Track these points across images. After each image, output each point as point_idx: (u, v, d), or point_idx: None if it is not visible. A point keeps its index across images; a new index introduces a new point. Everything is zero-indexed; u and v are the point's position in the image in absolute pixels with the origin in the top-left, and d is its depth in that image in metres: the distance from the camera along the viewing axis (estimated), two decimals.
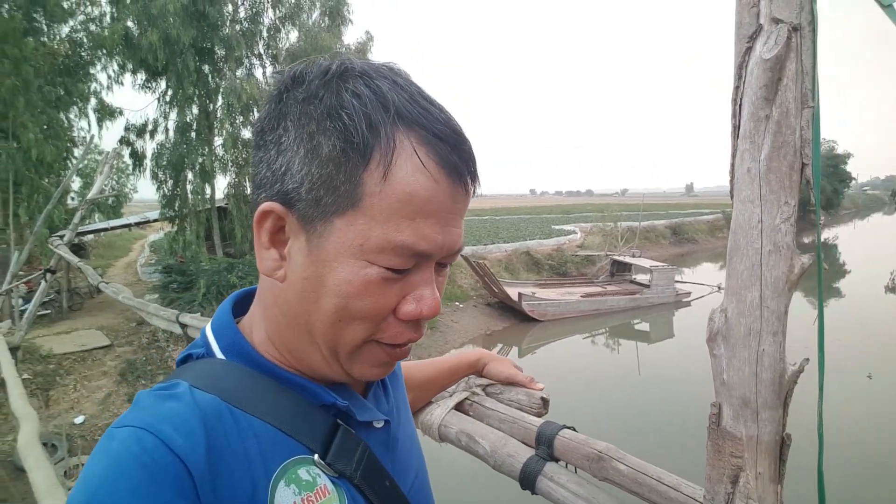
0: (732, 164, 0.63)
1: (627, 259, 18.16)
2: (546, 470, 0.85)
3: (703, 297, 17.27)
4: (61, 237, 5.73)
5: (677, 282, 17.35)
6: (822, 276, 0.61)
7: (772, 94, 0.59)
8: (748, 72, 0.61)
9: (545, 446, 0.87)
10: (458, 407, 1.07)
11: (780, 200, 0.58)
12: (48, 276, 5.13)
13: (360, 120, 0.48)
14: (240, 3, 14.33)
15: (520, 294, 14.19)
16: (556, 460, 0.87)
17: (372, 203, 0.49)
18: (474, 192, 0.56)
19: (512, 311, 14.75)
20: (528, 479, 0.86)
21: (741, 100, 0.62)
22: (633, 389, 10.28)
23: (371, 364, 0.57)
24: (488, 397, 1.06)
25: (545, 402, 0.98)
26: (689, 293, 17.22)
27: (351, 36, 16.19)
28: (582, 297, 15.93)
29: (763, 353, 0.58)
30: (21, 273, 6.48)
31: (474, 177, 0.55)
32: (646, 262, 17.14)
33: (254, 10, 14.44)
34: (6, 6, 11.29)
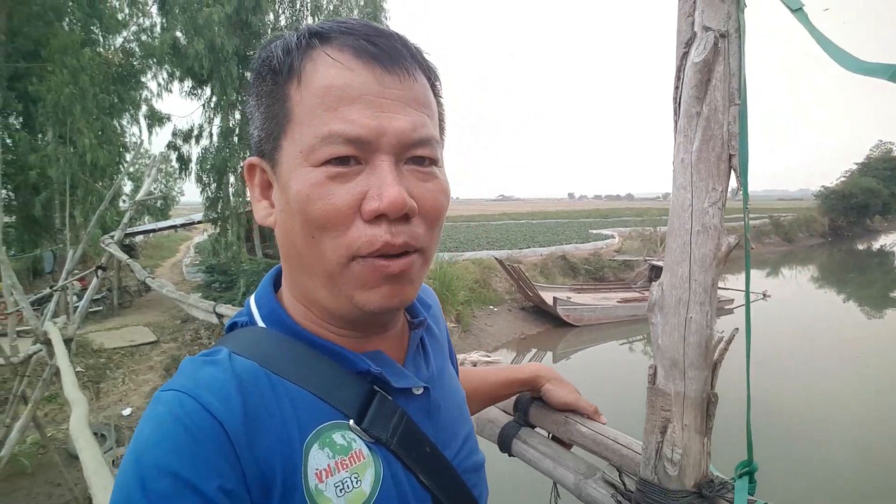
0: (673, 156, 0.71)
1: None
2: (521, 434, 0.94)
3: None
4: (112, 236, 6.07)
5: (720, 288, 16.73)
6: (750, 258, 0.68)
7: (702, 94, 0.67)
8: (685, 74, 0.69)
9: (521, 413, 0.96)
10: None
11: (708, 187, 0.66)
12: (99, 272, 5.45)
13: (277, 48, 0.55)
14: (280, 11, 14.76)
15: (555, 298, 13.95)
16: (532, 426, 0.96)
17: (298, 111, 0.53)
18: (415, 78, 0.55)
19: (547, 316, 14.58)
20: (504, 442, 0.95)
21: (679, 99, 0.70)
22: None
23: (368, 286, 0.54)
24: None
25: None
26: (731, 300, 16.47)
27: None
28: (619, 302, 15.61)
29: (690, 320, 0.66)
30: (76, 271, 6.87)
31: (402, 60, 0.54)
32: None
33: (294, 18, 14.84)
34: (67, 20, 11.99)
